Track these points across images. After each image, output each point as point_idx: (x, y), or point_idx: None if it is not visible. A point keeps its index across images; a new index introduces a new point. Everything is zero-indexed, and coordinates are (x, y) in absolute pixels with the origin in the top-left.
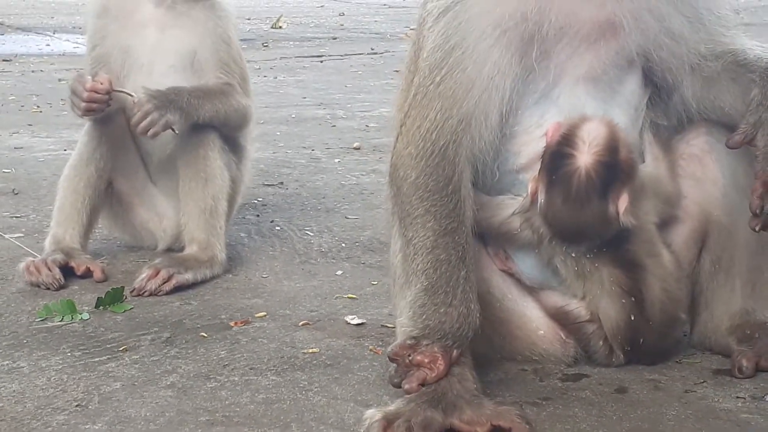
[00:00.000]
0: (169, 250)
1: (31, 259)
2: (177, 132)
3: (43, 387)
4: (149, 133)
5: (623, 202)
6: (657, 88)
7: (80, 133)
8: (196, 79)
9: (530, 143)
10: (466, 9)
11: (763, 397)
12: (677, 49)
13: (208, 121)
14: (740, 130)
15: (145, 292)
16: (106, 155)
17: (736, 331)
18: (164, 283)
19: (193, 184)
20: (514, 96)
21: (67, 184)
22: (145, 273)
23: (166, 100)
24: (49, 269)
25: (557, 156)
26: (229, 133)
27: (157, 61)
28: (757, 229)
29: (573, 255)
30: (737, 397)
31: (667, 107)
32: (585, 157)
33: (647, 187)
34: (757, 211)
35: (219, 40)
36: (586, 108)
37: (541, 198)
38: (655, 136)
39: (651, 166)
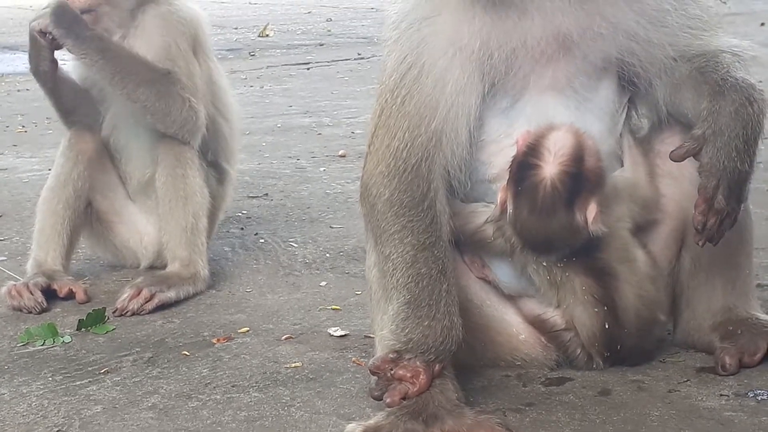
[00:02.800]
0: (152, 267)
1: (12, 283)
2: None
3: (24, 414)
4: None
5: (591, 211)
6: (632, 93)
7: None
8: None
9: (500, 153)
10: (419, 30)
11: (747, 393)
12: (643, 53)
13: (131, 90)
14: (684, 143)
15: (128, 311)
16: (83, 175)
17: (719, 328)
18: (147, 302)
19: (173, 204)
20: (481, 110)
21: (46, 206)
22: (127, 293)
23: (67, 19)
24: (31, 293)
25: (523, 166)
26: (177, 133)
27: None
28: (700, 244)
29: (544, 264)
30: (721, 395)
31: (642, 110)
32: (550, 167)
33: (622, 193)
34: (699, 227)
35: (161, 44)
36: (556, 117)
37: (509, 208)
38: (635, 140)
39: (629, 171)
